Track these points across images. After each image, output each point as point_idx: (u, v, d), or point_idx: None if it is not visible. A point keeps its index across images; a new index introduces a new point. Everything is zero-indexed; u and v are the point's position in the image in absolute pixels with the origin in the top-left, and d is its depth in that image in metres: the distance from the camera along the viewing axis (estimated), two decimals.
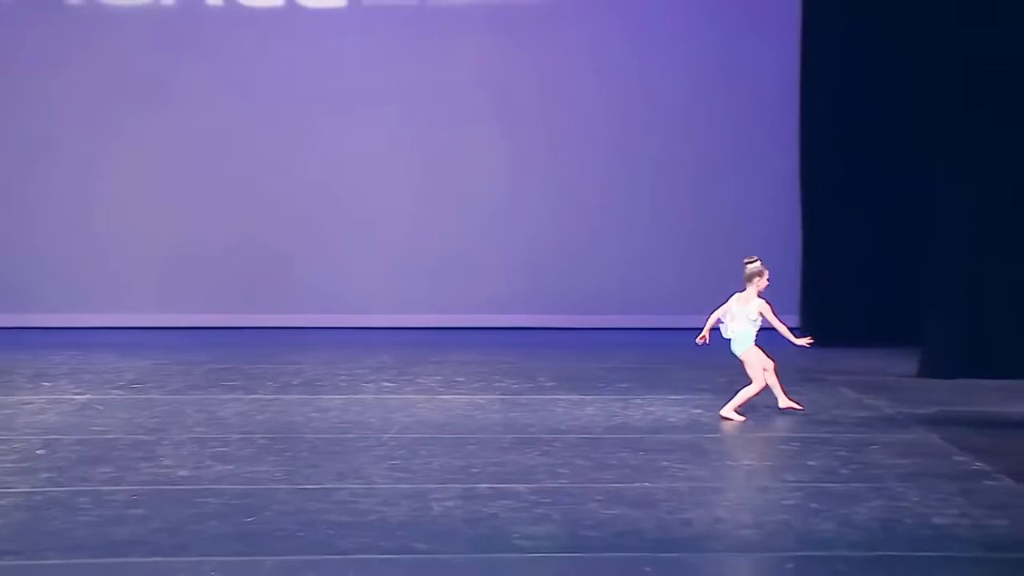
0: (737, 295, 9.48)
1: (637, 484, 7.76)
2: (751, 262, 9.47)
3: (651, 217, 14.15)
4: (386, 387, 10.93)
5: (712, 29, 14.06)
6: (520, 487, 7.67)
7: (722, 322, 9.47)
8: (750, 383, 9.47)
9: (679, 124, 14.08)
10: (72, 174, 14.12)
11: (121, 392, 10.62)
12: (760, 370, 9.39)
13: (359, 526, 6.92)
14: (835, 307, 13.19)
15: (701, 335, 9.54)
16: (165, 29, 14.13)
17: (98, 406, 10.02)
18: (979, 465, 8.24)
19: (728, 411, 9.46)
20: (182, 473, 8.02)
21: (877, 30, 13.23)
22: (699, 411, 9.88)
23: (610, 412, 9.87)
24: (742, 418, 9.44)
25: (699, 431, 9.24)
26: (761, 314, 9.37)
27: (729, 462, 8.39)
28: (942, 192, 11.70)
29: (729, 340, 9.48)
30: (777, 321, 9.48)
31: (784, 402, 9.51)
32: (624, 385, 10.94)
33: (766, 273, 9.45)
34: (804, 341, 9.53)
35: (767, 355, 9.51)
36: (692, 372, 11.53)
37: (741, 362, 9.55)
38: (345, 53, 14.17)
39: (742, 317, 9.38)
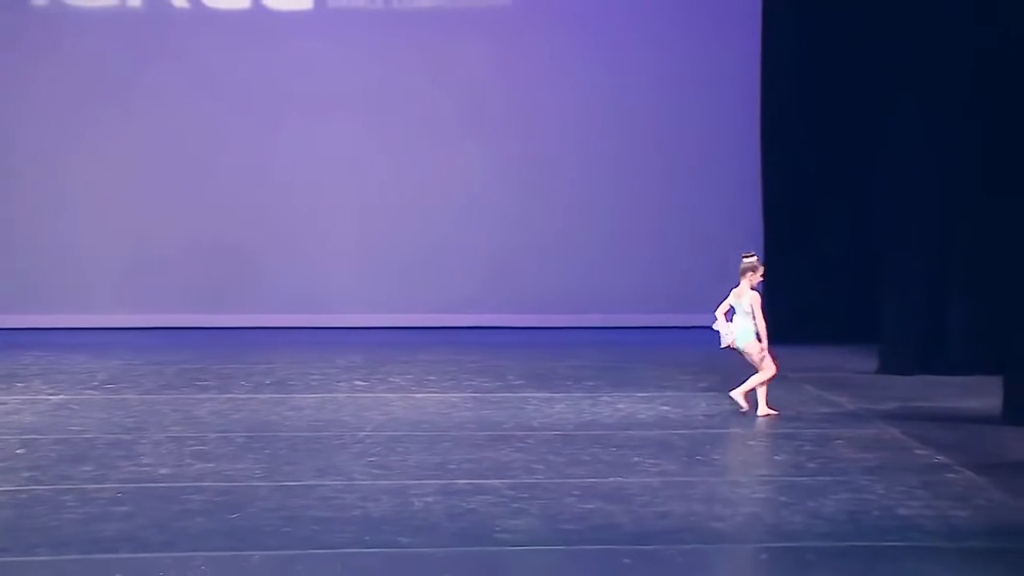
0: (734, 290, 9.67)
1: (611, 479, 7.94)
2: (747, 257, 9.67)
3: (615, 217, 14.35)
4: (358, 386, 11.04)
5: (675, 30, 14.27)
6: (497, 482, 7.82)
7: (727, 319, 9.64)
8: (756, 373, 9.63)
9: (643, 125, 14.27)
10: (38, 175, 14.12)
11: (95, 392, 10.66)
12: (767, 357, 9.56)
13: (342, 521, 7.06)
14: (796, 305, 13.41)
15: (725, 340, 9.61)
16: (130, 30, 14.16)
17: (73, 406, 10.06)
18: (940, 458, 8.49)
19: (738, 394, 9.62)
20: (163, 471, 8.12)
21: (836, 30, 13.45)
22: (667, 408, 10.07)
23: (580, 409, 10.03)
24: (746, 406, 9.62)
25: (667, 427, 9.42)
26: (752, 306, 9.56)
27: (699, 457, 8.55)
28: (900, 192, 11.96)
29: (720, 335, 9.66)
30: (760, 317, 9.63)
31: (763, 409, 9.67)
32: (591, 383, 11.10)
33: (760, 269, 9.64)
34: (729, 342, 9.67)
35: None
36: (658, 370, 11.77)
37: (743, 355, 9.68)
38: (311, 55, 14.26)
39: (739, 311, 9.59)
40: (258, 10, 14.24)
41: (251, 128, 14.17)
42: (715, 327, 9.68)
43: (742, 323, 9.59)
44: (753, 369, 9.72)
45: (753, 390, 9.68)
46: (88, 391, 10.70)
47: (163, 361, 12.11)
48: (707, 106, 14.23)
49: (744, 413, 9.63)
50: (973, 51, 11.38)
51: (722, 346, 9.69)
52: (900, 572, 6.24)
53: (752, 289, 9.61)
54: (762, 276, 9.68)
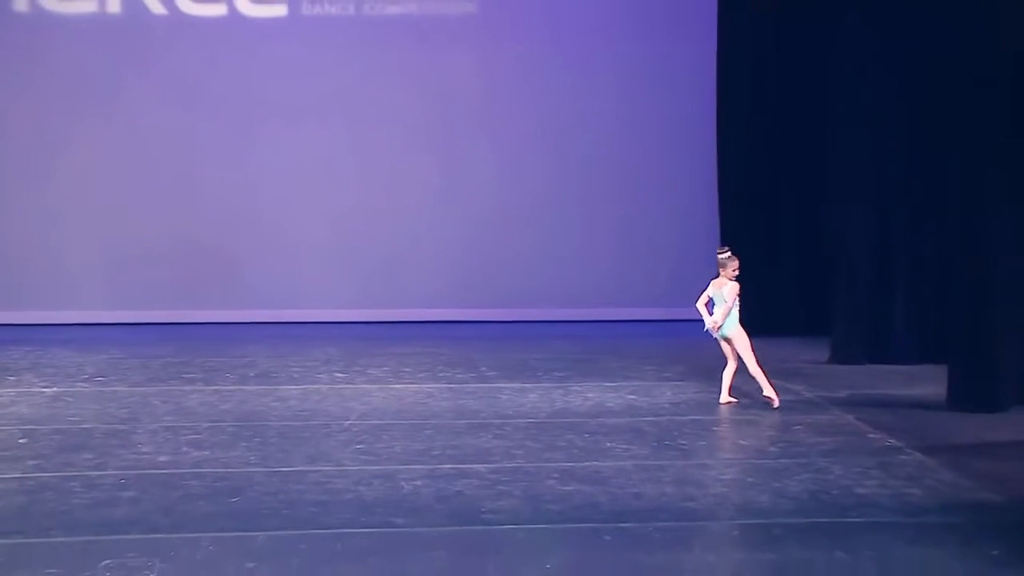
0: (713, 281, 9.96)
1: (587, 463, 8.23)
2: (721, 252, 9.99)
3: (579, 216, 14.65)
4: (338, 378, 11.25)
5: (635, 40, 14.57)
6: (480, 467, 8.09)
7: (709, 311, 9.90)
8: (735, 365, 9.92)
9: (606, 129, 14.58)
10: (21, 177, 14.22)
11: (86, 385, 10.81)
12: (749, 346, 9.84)
13: (338, 504, 7.30)
14: (750, 298, 13.66)
15: (713, 323, 9.85)
16: (112, 37, 14.28)
17: (67, 398, 10.21)
18: (892, 442, 8.85)
19: (768, 391, 9.85)
20: (162, 459, 8.32)
21: (789, 32, 13.84)
22: (634, 396, 10.38)
23: (552, 399, 10.31)
24: (774, 396, 9.88)
25: (636, 415, 9.72)
26: (728, 295, 9.83)
27: (667, 442, 8.84)
28: (848, 193, 12.30)
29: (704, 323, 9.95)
30: (730, 305, 9.85)
31: (725, 397, 10.00)
32: (561, 374, 11.38)
33: (735, 262, 9.90)
34: (711, 326, 9.93)
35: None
36: (622, 361, 12.07)
37: (728, 344, 9.94)
38: (285, 61, 14.45)
39: (719, 302, 9.86)
40: (235, 17, 14.40)
41: (229, 132, 14.35)
42: (707, 328, 9.92)
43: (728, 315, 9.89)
44: (726, 360, 10.03)
45: (733, 379, 9.97)
46: (79, 384, 10.85)
47: (148, 355, 12.26)
48: (665, 110, 14.57)
49: (777, 408, 9.82)
50: (923, 53, 11.68)
51: (715, 336, 9.96)
52: (861, 546, 6.57)
53: (730, 280, 9.92)
54: (735, 270, 9.98)
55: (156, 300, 14.28)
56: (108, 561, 6.27)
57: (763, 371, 9.97)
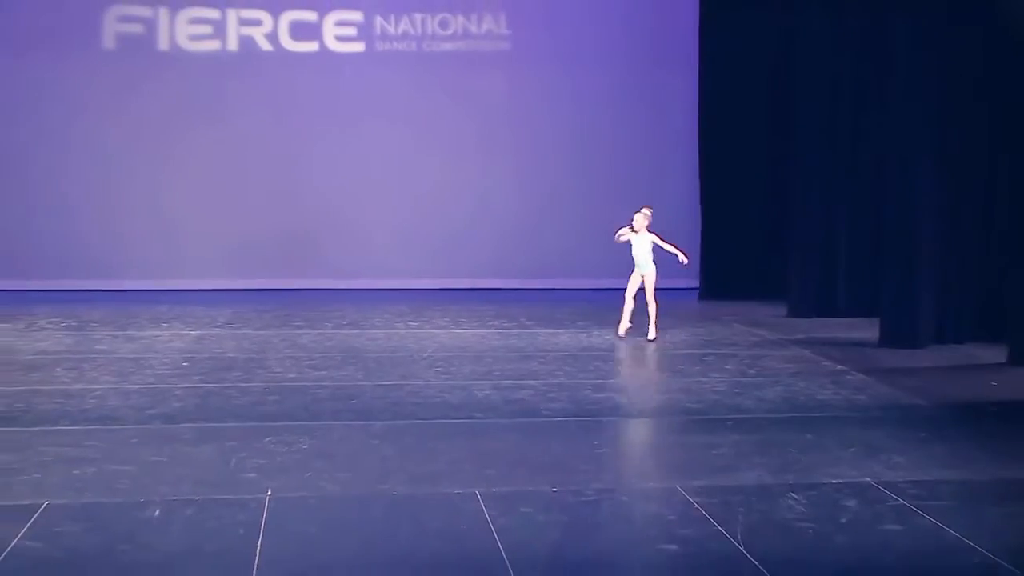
0: (633, 231, 10.65)
1: (612, 380, 8.83)
2: (648, 209, 10.83)
3: (588, 207, 15.09)
4: (412, 325, 11.76)
5: (628, 67, 14.94)
6: (532, 382, 8.66)
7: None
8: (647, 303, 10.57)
9: (606, 134, 14.96)
10: (155, 176, 14.68)
11: (221, 329, 11.30)
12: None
13: (431, 405, 7.88)
14: (725, 268, 14.22)
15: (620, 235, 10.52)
16: (230, 68, 14.74)
17: (210, 338, 10.71)
18: (840, 367, 9.42)
19: (652, 331, 10.52)
20: (291, 375, 8.88)
21: (758, 52, 14.17)
22: (640, 338, 10.92)
23: (578, 339, 10.83)
24: (655, 334, 10.54)
25: (642, 350, 10.29)
26: (654, 242, 10.52)
27: (669, 367, 9.41)
28: (802, 181, 12.77)
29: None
30: (669, 246, 10.55)
31: (652, 333, 10.57)
32: (582, 323, 11.87)
33: (648, 213, 10.70)
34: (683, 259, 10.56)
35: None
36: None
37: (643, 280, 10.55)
38: (363, 84, 14.93)
39: (641, 246, 10.52)
40: (324, 52, 14.88)
41: (319, 139, 14.80)
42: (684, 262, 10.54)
43: (645, 256, 10.54)
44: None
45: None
46: (216, 328, 11.35)
47: (261, 310, 12.72)
48: (654, 119, 14.93)
49: (652, 341, 10.47)
50: (873, 69, 12.08)
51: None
52: (823, 431, 7.17)
53: (649, 231, 10.53)
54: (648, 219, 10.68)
55: (262, 271, 14.77)
56: (271, 438, 6.86)
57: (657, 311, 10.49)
